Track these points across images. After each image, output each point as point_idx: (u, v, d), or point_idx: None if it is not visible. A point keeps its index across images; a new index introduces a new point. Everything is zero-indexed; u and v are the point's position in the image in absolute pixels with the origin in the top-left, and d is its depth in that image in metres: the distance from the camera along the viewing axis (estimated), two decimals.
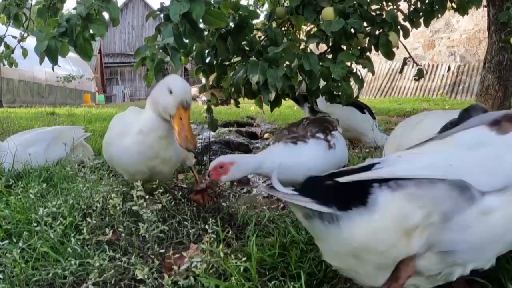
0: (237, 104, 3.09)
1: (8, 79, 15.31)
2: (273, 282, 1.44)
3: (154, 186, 2.13)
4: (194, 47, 2.73)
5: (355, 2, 2.57)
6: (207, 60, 2.89)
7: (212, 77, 3.04)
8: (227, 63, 2.94)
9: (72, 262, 1.51)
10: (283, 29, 3.33)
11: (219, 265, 1.50)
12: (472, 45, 12.82)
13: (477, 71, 11.71)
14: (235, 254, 1.52)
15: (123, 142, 2.15)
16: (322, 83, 2.65)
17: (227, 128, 5.87)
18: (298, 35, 4.04)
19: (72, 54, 7.60)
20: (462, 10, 3.33)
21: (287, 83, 2.38)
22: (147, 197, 1.99)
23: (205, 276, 1.44)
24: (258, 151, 4.50)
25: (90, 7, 2.14)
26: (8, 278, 1.46)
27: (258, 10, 7.43)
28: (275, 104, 2.67)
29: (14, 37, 4.03)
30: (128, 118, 2.33)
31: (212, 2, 2.39)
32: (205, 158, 3.48)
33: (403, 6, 3.26)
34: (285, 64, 2.44)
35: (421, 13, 3.20)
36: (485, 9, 5.11)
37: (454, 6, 3.50)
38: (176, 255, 1.55)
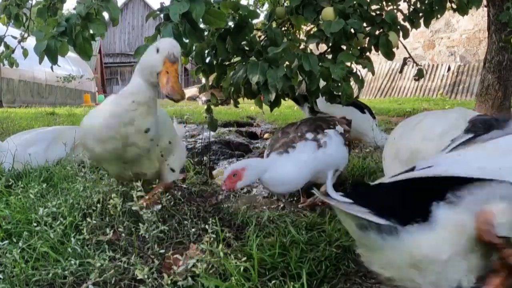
0: (236, 104, 3.10)
1: (8, 79, 15.31)
2: (273, 282, 1.44)
3: (154, 186, 2.13)
4: (194, 47, 2.73)
5: (355, 2, 2.57)
6: (207, 60, 2.89)
7: (212, 77, 3.04)
8: (227, 63, 2.94)
9: (72, 262, 1.51)
10: (283, 29, 3.33)
11: (219, 265, 1.50)
12: (472, 45, 12.82)
13: (477, 71, 11.71)
14: (235, 254, 1.52)
15: (98, 107, 2.04)
16: (322, 83, 2.65)
17: (227, 128, 5.88)
18: (298, 35, 4.04)
19: (72, 54, 7.61)
20: (461, 10, 3.33)
21: (287, 84, 2.38)
22: (147, 197, 1.99)
23: (205, 276, 1.44)
24: (258, 151, 4.52)
25: (89, 6, 2.14)
26: (8, 278, 1.46)
27: (258, 10, 7.43)
28: (274, 104, 2.67)
29: (14, 37, 4.03)
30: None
31: (212, 2, 2.39)
32: (205, 158, 3.48)
33: (403, 6, 3.26)
34: (285, 65, 2.44)
35: (420, 14, 3.20)
36: (485, 9, 5.11)
37: (454, 6, 3.50)
38: (176, 255, 1.55)
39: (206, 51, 2.84)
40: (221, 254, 1.49)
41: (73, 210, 1.98)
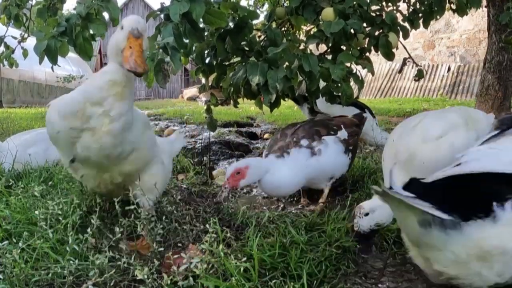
0: (235, 104, 3.10)
1: (8, 79, 15.29)
2: (273, 282, 1.44)
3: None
4: (193, 47, 2.73)
5: (355, 2, 2.57)
6: (207, 60, 2.89)
7: (212, 77, 3.04)
8: (226, 63, 2.94)
9: (72, 262, 1.51)
10: (283, 29, 3.32)
11: (219, 265, 1.50)
12: (472, 45, 12.82)
13: (477, 71, 11.70)
14: (235, 254, 1.52)
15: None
16: (322, 84, 2.65)
17: (227, 129, 5.88)
18: (298, 36, 4.04)
19: (72, 54, 7.59)
20: (461, 11, 3.33)
21: (287, 85, 2.38)
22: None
23: (206, 276, 1.44)
24: (258, 152, 4.52)
25: (90, 6, 2.13)
26: (8, 278, 1.46)
27: (258, 10, 7.43)
28: (274, 105, 2.67)
29: (15, 38, 4.03)
30: None
31: (212, 2, 2.39)
32: (205, 158, 3.48)
33: (403, 6, 3.26)
34: (285, 65, 2.44)
35: (420, 14, 3.20)
36: (485, 9, 5.11)
37: (453, 7, 3.50)
38: (176, 255, 1.55)
39: (206, 51, 2.84)
40: (221, 254, 1.49)
41: (73, 210, 1.98)
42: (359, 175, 2.98)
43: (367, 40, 2.73)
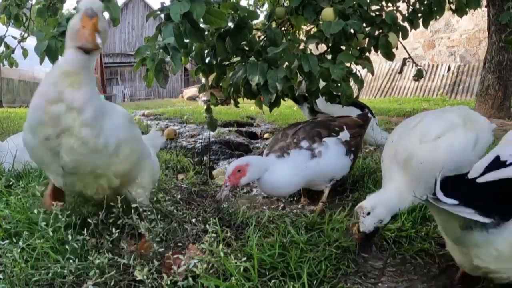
0: (236, 104, 3.10)
1: (8, 79, 15.29)
2: (273, 282, 1.44)
3: (153, 189, 2.11)
4: (193, 47, 2.73)
5: (354, 2, 2.57)
6: (207, 60, 2.89)
7: (211, 77, 3.05)
8: (226, 63, 2.94)
9: (72, 261, 1.51)
10: (283, 29, 3.33)
11: (219, 265, 1.50)
12: (472, 45, 12.82)
13: (477, 71, 11.70)
14: (235, 254, 1.53)
15: None
16: (322, 84, 2.65)
17: (227, 128, 5.88)
18: (298, 36, 4.04)
19: None
20: (460, 11, 3.34)
21: (287, 85, 2.38)
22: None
23: (206, 276, 1.44)
24: (258, 151, 4.52)
25: None
26: (8, 278, 1.46)
27: (258, 10, 7.44)
28: (274, 104, 2.68)
29: (14, 38, 4.03)
30: None
31: (212, 2, 2.39)
32: (205, 158, 3.48)
33: (402, 6, 3.27)
34: (284, 65, 2.44)
35: (419, 14, 3.21)
36: (485, 9, 5.12)
37: (453, 7, 3.51)
38: (176, 255, 1.55)
39: (206, 51, 2.85)
40: (221, 254, 1.49)
41: (73, 210, 1.98)
42: (359, 175, 2.98)
43: (367, 40, 2.73)
